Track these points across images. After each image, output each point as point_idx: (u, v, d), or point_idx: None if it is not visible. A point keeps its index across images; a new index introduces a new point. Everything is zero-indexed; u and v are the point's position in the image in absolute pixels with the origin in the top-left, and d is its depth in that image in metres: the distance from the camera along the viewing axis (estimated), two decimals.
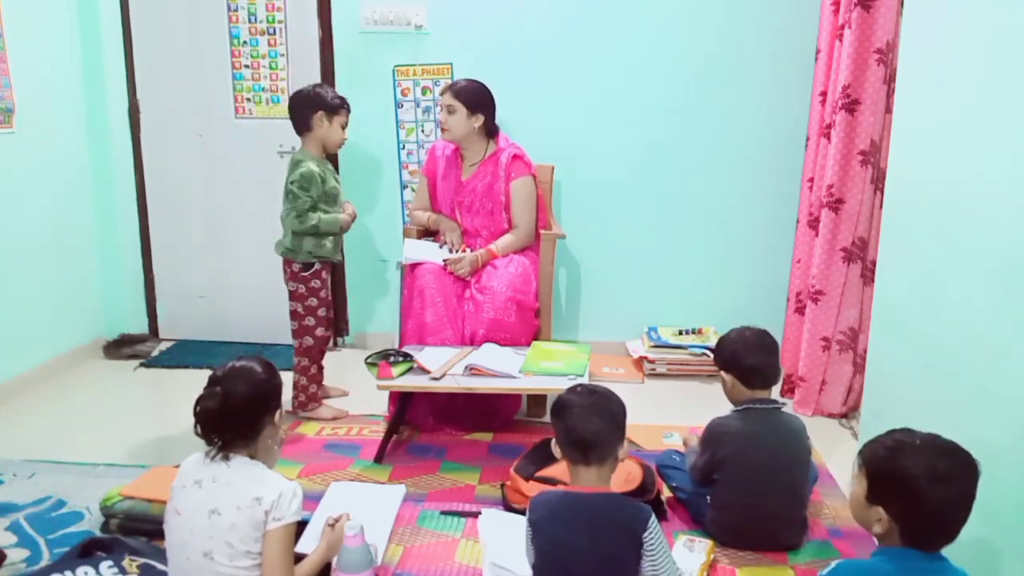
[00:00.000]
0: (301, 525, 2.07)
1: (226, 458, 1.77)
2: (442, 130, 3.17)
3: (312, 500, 2.38)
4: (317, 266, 3.08)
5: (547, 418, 3.16)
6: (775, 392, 2.40)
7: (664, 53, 3.67)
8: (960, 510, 1.46)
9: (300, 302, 3.09)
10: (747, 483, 2.19)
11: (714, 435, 2.25)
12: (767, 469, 2.18)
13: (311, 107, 3.04)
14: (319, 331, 3.14)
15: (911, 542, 1.49)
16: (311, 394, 3.16)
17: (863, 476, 1.56)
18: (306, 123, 3.05)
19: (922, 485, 1.44)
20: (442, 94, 3.16)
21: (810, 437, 2.31)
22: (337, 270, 3.72)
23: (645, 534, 1.74)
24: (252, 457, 1.80)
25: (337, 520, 1.99)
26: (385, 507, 2.34)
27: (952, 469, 1.45)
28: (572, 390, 1.87)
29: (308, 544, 2.03)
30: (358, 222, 3.88)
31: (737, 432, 2.22)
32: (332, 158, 3.82)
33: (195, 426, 1.77)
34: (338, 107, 3.08)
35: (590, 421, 1.78)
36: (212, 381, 1.79)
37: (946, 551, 1.53)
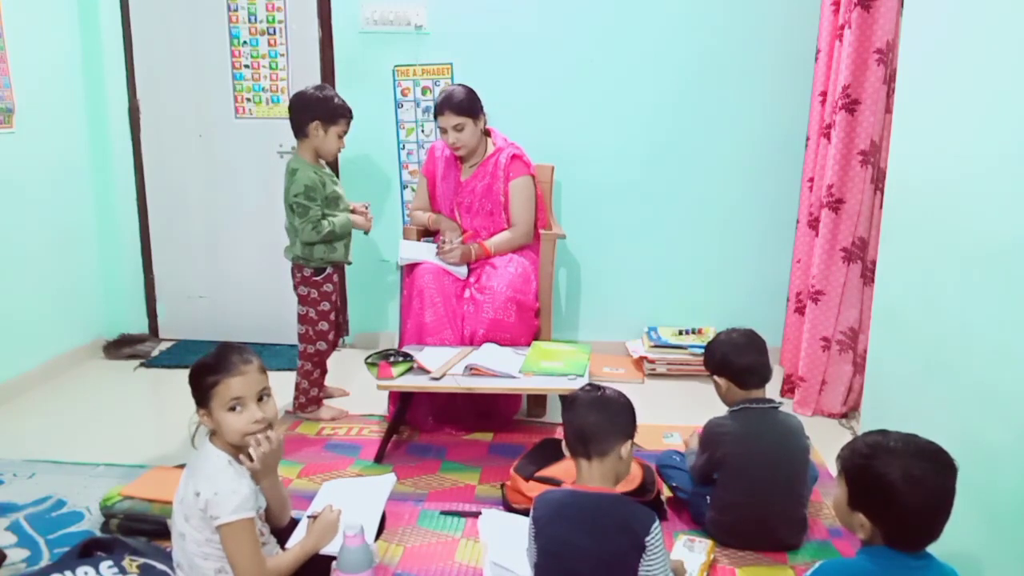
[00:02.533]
0: (293, 523, 2.08)
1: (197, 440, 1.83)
2: (455, 150, 3.11)
3: (309, 500, 2.37)
4: (329, 270, 3.07)
5: (547, 418, 3.19)
6: (772, 392, 2.40)
7: (664, 53, 3.67)
8: (940, 510, 1.46)
9: (313, 307, 3.07)
10: (746, 482, 2.19)
11: (712, 435, 2.26)
12: (765, 468, 2.18)
13: (307, 113, 2.95)
14: (332, 335, 3.13)
15: (895, 544, 1.49)
16: (311, 397, 3.16)
17: (843, 483, 1.56)
18: (301, 128, 2.97)
19: (899, 490, 1.44)
20: (439, 116, 3.04)
21: (809, 437, 2.31)
22: (338, 270, 3.72)
23: (647, 537, 1.74)
24: (224, 448, 1.82)
25: (320, 514, 1.99)
26: (374, 498, 2.32)
27: (927, 471, 1.45)
28: (582, 388, 1.93)
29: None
30: None
31: (734, 432, 2.22)
32: (332, 160, 3.82)
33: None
34: (336, 116, 2.97)
35: (590, 414, 1.82)
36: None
37: (944, 550, 1.53)
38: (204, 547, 1.78)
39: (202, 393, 1.79)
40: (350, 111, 3.03)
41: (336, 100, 3.00)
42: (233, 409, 1.78)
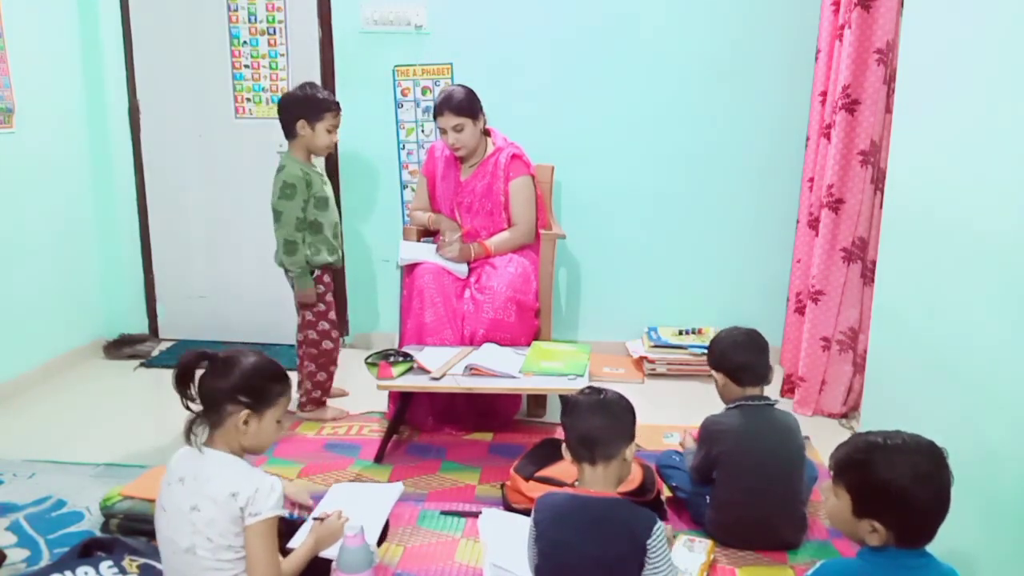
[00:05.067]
0: (296, 524, 2.07)
1: (200, 444, 1.78)
2: (455, 150, 3.11)
3: (311, 500, 2.37)
4: (317, 271, 3.07)
5: (547, 418, 3.19)
6: (772, 393, 2.41)
7: (664, 53, 3.67)
8: (946, 501, 1.46)
9: (310, 309, 3.08)
10: (744, 479, 2.19)
11: (709, 433, 2.27)
12: (763, 464, 2.19)
13: (292, 113, 2.95)
14: (335, 333, 3.13)
15: (905, 543, 1.48)
16: (312, 398, 3.16)
17: (844, 492, 1.52)
18: (290, 130, 2.97)
19: (911, 490, 1.43)
20: (439, 117, 3.04)
21: (809, 436, 2.32)
22: (337, 270, 3.72)
23: (649, 540, 1.74)
24: (233, 452, 1.80)
25: (327, 516, 1.99)
26: (379, 505, 2.33)
27: (930, 465, 1.45)
28: (582, 391, 1.91)
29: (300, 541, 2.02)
30: (357, 221, 3.90)
31: (731, 428, 2.23)
32: (331, 158, 3.82)
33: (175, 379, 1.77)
34: (320, 111, 2.94)
35: (595, 419, 1.81)
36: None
37: (944, 549, 1.53)
38: (223, 554, 1.73)
39: (267, 398, 1.78)
40: (335, 103, 3.01)
41: (319, 95, 2.98)
42: (279, 420, 1.83)
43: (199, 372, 1.78)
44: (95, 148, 3.89)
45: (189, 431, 1.78)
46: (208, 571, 1.73)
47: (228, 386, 1.75)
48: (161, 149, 3.99)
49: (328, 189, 3.11)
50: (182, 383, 1.76)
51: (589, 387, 1.93)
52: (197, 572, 1.74)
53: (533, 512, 1.86)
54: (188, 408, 1.79)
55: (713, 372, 2.37)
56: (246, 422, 1.76)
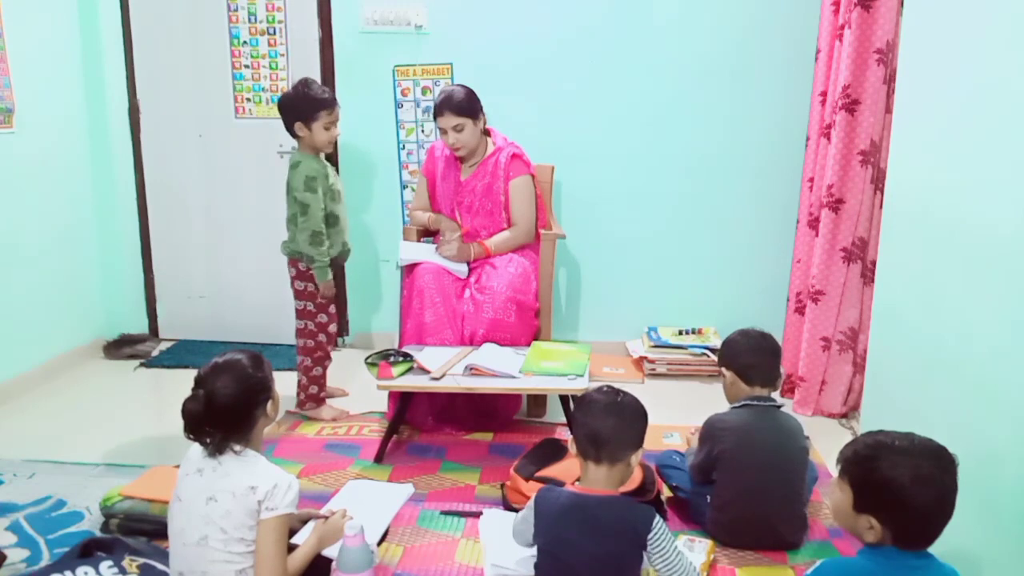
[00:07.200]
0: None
1: (222, 452, 1.79)
2: (455, 150, 3.11)
3: (311, 500, 2.38)
4: None
5: (547, 418, 3.19)
6: (777, 397, 2.41)
7: (665, 53, 3.67)
8: (948, 507, 1.47)
9: (311, 300, 3.08)
10: (745, 477, 2.20)
11: (711, 430, 2.27)
12: (764, 463, 2.19)
13: (289, 115, 2.96)
14: (332, 327, 3.14)
15: (903, 544, 1.49)
16: (311, 395, 3.16)
17: (847, 486, 1.54)
18: (290, 131, 2.99)
19: (910, 491, 1.44)
20: (439, 117, 3.04)
21: (809, 437, 2.32)
22: (338, 269, 3.72)
23: (650, 535, 1.75)
24: (250, 447, 1.83)
25: (332, 513, 2.00)
26: (388, 505, 2.33)
27: (935, 469, 1.45)
28: (599, 389, 1.91)
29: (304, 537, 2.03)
30: (358, 222, 3.90)
31: (734, 427, 2.23)
32: (331, 158, 3.82)
33: (184, 428, 1.78)
34: (314, 111, 2.92)
35: (607, 419, 1.81)
36: (196, 382, 1.80)
37: (944, 550, 1.53)
38: (233, 547, 1.75)
39: (269, 387, 1.87)
40: (329, 101, 2.98)
41: (312, 94, 2.96)
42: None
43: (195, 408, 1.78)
44: (95, 148, 3.89)
45: (220, 448, 1.79)
46: (217, 563, 1.75)
47: (255, 396, 1.82)
48: (161, 149, 3.99)
49: (340, 184, 3.12)
50: (196, 431, 1.79)
51: (608, 386, 1.92)
52: (206, 564, 1.76)
53: (534, 499, 1.86)
54: (210, 443, 1.80)
55: (723, 370, 2.38)
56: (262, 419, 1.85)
